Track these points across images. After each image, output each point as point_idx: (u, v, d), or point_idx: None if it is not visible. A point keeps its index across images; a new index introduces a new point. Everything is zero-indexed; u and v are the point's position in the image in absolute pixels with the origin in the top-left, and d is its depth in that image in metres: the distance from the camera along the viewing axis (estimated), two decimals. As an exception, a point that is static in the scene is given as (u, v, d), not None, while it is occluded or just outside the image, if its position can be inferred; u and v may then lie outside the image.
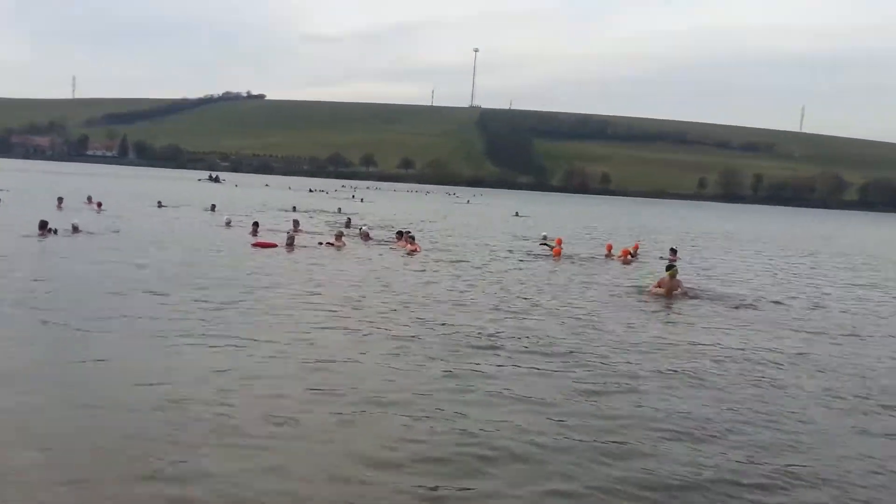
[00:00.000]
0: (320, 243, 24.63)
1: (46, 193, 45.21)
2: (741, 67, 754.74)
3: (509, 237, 35.70)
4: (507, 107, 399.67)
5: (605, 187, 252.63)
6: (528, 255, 26.45)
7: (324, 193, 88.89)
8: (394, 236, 27.74)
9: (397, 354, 10.40)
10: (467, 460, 6.89)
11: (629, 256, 26.44)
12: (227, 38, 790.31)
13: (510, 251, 27.71)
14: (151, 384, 8.41)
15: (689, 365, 10.72)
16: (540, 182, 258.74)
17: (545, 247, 28.40)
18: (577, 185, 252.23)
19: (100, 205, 36.30)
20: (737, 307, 16.76)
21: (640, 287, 18.94)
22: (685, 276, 19.83)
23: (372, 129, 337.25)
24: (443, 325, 12.65)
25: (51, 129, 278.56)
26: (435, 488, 6.29)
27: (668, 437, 7.65)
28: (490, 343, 11.43)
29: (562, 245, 28.00)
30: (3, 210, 32.30)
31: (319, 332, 11.63)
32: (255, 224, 28.74)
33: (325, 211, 49.08)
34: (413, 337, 11.51)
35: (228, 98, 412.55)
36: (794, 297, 19.13)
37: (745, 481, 6.70)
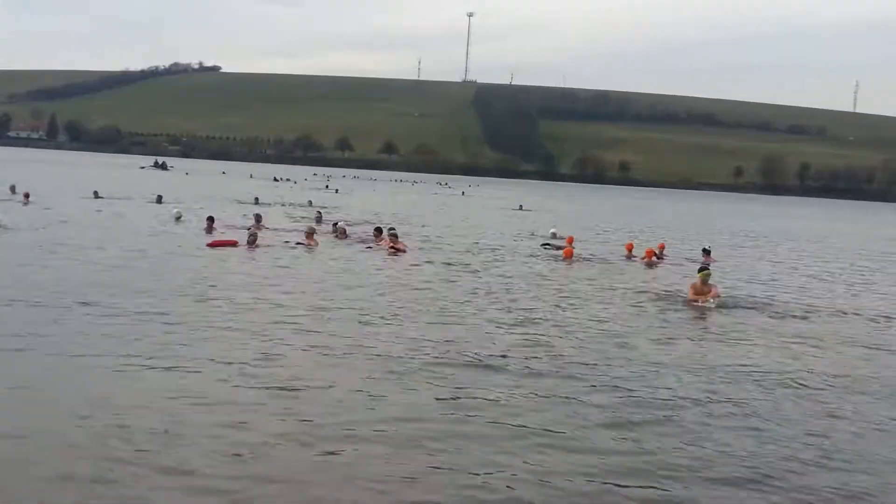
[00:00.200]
0: (299, 243, 24.52)
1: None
2: (784, 38, 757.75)
3: (512, 235, 35.69)
4: (507, 82, 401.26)
5: (624, 176, 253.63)
6: (534, 256, 26.41)
7: (292, 183, 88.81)
8: (372, 234, 27.60)
9: (380, 376, 10.28)
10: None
11: (654, 258, 26.41)
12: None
13: (513, 251, 27.67)
14: (85, 414, 8.27)
15: (728, 389, 10.62)
16: (547, 170, 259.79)
17: (548, 247, 28.38)
18: (591, 173, 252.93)
19: (27, 196, 36.10)
20: (783, 319, 16.72)
21: (668, 294, 18.90)
22: (721, 281, 19.79)
23: (347, 107, 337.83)
24: (434, 340, 12.53)
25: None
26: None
27: (706, 480, 7.53)
28: (491, 362, 11.33)
29: (573, 244, 27.97)
30: None
31: (287, 349, 11.50)
32: (210, 219, 28.59)
33: (293, 204, 48.99)
34: (399, 355, 11.39)
35: (177, 70, 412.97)
36: (852, 308, 19.11)
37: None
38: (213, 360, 10.59)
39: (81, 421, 8.10)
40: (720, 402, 10.03)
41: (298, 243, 24.60)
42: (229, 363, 10.46)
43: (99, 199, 40.03)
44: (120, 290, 15.27)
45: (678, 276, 22.72)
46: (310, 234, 25.23)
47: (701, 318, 16.50)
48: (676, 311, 16.93)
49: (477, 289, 18.46)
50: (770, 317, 16.86)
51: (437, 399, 9.49)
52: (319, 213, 36.60)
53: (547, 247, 28.77)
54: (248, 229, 25.53)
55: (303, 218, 36.47)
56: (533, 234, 35.58)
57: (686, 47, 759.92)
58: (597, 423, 8.92)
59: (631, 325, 14.93)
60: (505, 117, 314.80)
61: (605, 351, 12.55)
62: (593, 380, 10.68)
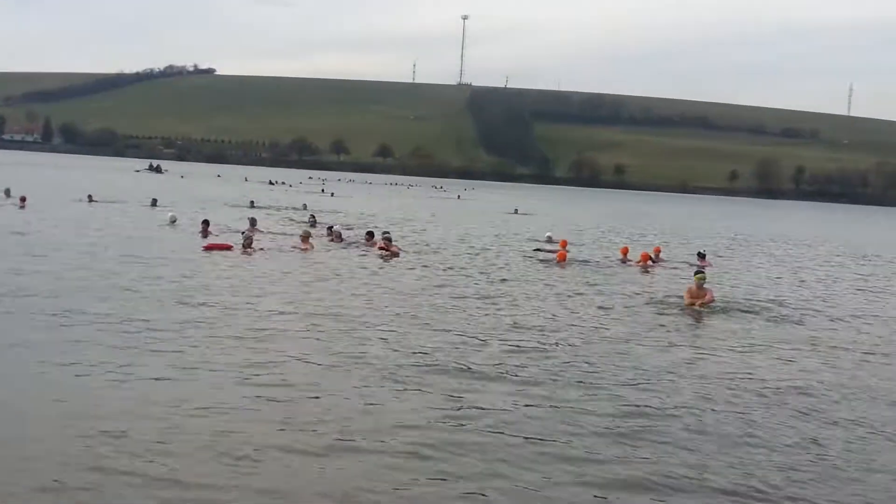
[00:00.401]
0: (294, 247, 24.50)
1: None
2: (778, 41, 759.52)
3: (507, 239, 35.68)
4: (502, 85, 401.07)
5: (619, 180, 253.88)
6: (528, 259, 26.41)
7: (287, 186, 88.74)
8: (364, 237, 27.56)
9: (375, 384, 10.21)
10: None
11: (650, 262, 26.40)
12: (169, 0, 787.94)
13: (508, 255, 27.65)
14: (75, 422, 8.20)
15: (724, 396, 10.57)
16: (542, 174, 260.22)
17: (541, 252, 28.36)
18: (587, 177, 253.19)
19: (23, 199, 35.99)
20: (779, 323, 16.73)
21: (664, 298, 18.90)
22: (717, 285, 19.80)
23: (342, 110, 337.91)
24: (428, 346, 12.49)
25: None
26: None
27: (705, 490, 7.46)
28: (486, 369, 11.26)
29: (567, 248, 27.98)
30: None
31: (282, 355, 11.42)
32: (206, 222, 28.52)
33: (288, 207, 48.92)
34: (394, 362, 11.32)
35: (172, 73, 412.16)
36: (848, 312, 19.12)
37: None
38: (206, 366, 10.53)
39: (71, 429, 8.02)
40: (715, 409, 9.96)
41: (294, 247, 24.59)
42: (223, 369, 10.39)
43: (94, 203, 39.95)
44: (113, 294, 15.21)
45: (674, 281, 22.72)
46: (305, 237, 25.20)
47: (697, 322, 16.48)
48: (672, 315, 16.88)
49: (471, 293, 18.40)
50: (766, 321, 16.85)
51: (433, 407, 9.41)
52: (313, 216, 36.48)
53: (539, 251, 28.75)
54: (244, 233, 25.49)
55: (298, 221, 36.42)
56: (528, 238, 35.53)
57: (680, 50, 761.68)
58: (593, 432, 8.85)
59: (627, 331, 14.88)
60: (500, 120, 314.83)
61: (601, 357, 12.49)
62: (589, 387, 10.62)
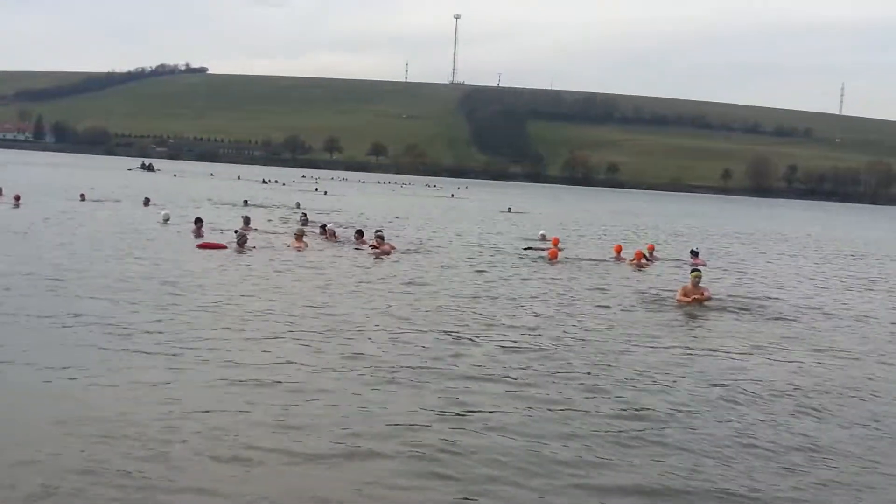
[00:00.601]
0: (289, 245, 24.50)
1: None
2: (771, 40, 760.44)
3: (500, 237, 35.67)
4: (495, 84, 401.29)
5: (612, 178, 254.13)
6: (521, 258, 26.42)
7: (280, 185, 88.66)
8: (354, 235, 27.56)
9: (370, 384, 10.17)
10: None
11: (643, 260, 26.43)
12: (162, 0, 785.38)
13: (501, 254, 27.66)
14: (65, 422, 8.18)
15: (719, 395, 10.58)
16: (535, 172, 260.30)
17: (530, 250, 28.37)
18: (580, 175, 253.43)
19: (17, 198, 35.90)
20: (774, 321, 16.75)
21: (658, 296, 18.93)
22: (711, 283, 19.82)
23: (335, 109, 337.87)
24: (423, 345, 12.48)
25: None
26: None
27: (701, 493, 7.44)
28: (480, 369, 11.23)
29: (559, 245, 28.01)
30: None
31: (276, 354, 11.41)
32: (199, 221, 28.49)
33: (281, 206, 48.87)
34: (388, 362, 11.29)
35: (164, 72, 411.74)
36: (843, 310, 19.19)
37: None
38: (200, 366, 10.49)
39: (63, 431, 7.96)
40: (711, 409, 9.94)
41: (287, 246, 24.58)
42: (217, 370, 10.35)
43: (86, 202, 39.87)
44: (106, 293, 15.14)
45: (667, 278, 22.74)
46: (299, 236, 25.19)
47: (692, 320, 16.49)
48: (667, 313, 16.90)
49: (465, 292, 18.36)
50: (760, 318, 16.87)
51: (428, 408, 9.36)
52: (305, 215, 36.46)
53: (529, 249, 28.73)
54: (237, 232, 25.46)
55: (291, 220, 36.39)
56: (521, 237, 35.53)
57: (673, 50, 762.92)
58: (591, 433, 8.80)
59: (622, 329, 14.87)
60: (493, 119, 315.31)
61: (596, 356, 12.47)
62: (585, 387, 10.57)
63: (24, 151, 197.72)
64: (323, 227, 29.41)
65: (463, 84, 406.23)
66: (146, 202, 40.39)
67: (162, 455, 7.41)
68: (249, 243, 23.78)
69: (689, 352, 13.19)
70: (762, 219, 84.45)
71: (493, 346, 12.70)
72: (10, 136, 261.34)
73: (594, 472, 7.67)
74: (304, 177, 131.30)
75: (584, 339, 13.65)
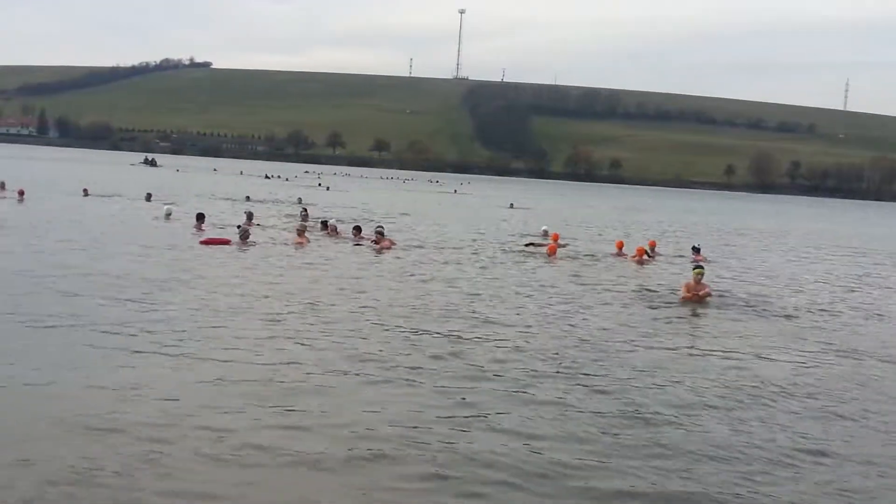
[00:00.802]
0: (293, 241, 24.52)
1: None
2: (775, 36, 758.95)
3: (502, 233, 35.62)
4: (499, 79, 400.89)
5: (615, 174, 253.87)
6: (522, 253, 26.41)
7: (283, 180, 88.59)
8: (352, 231, 27.56)
9: (370, 381, 10.14)
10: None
11: (645, 256, 26.39)
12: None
13: (503, 250, 27.60)
14: (68, 417, 8.16)
15: (722, 392, 10.57)
16: (538, 168, 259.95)
17: (532, 246, 28.31)
18: (583, 171, 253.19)
19: (22, 193, 35.93)
20: (777, 317, 16.70)
21: (660, 292, 18.91)
22: (713, 279, 19.79)
23: (339, 104, 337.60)
24: (425, 343, 12.44)
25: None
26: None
27: (700, 494, 7.44)
28: (484, 366, 11.20)
29: (559, 241, 27.99)
30: None
31: (278, 350, 11.39)
32: (200, 216, 28.49)
33: (284, 201, 48.84)
34: (389, 360, 11.25)
35: (167, 66, 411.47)
36: (846, 307, 19.14)
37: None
38: (201, 363, 10.47)
39: (61, 430, 7.94)
40: (711, 409, 9.90)
41: (289, 241, 24.57)
42: (219, 367, 10.32)
43: (89, 197, 39.90)
44: (108, 291, 15.13)
45: (669, 275, 22.69)
46: (301, 232, 25.19)
47: (694, 317, 16.45)
48: (668, 310, 16.85)
49: (465, 289, 18.31)
50: (762, 316, 16.82)
51: (430, 408, 9.32)
52: (305, 209, 36.52)
53: (531, 245, 28.67)
54: (239, 227, 25.45)
55: (292, 215, 36.36)
56: (523, 234, 35.51)
57: (677, 45, 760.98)
58: (592, 433, 8.77)
59: (623, 326, 14.82)
60: (496, 115, 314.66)
61: (598, 354, 12.43)
62: (586, 386, 10.52)
63: (27, 146, 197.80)
64: (324, 222, 29.39)
65: (467, 79, 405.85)
66: (148, 197, 40.36)
67: (159, 457, 7.36)
68: (252, 239, 23.82)
69: (690, 350, 13.15)
70: (765, 215, 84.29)
71: (495, 344, 12.64)
72: (13, 130, 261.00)
73: (595, 474, 7.61)
74: (306, 172, 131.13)
75: (586, 337, 13.58)
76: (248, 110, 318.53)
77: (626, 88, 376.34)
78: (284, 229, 29.00)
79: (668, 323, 15.51)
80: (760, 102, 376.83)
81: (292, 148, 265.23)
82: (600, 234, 38.96)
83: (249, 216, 29.75)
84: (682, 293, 18.02)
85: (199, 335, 11.98)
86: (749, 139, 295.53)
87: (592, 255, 26.96)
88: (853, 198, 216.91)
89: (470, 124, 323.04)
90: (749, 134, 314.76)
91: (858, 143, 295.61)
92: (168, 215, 30.89)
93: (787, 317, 16.97)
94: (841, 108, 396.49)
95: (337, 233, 27.58)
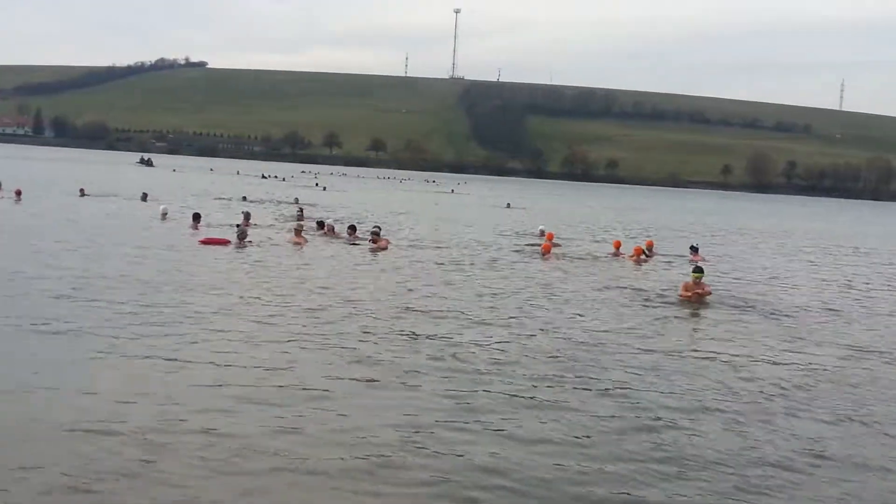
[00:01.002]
0: (291, 241, 24.52)
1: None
2: (771, 36, 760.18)
3: (499, 233, 35.58)
4: (495, 79, 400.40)
5: (611, 173, 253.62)
6: (519, 253, 26.42)
7: (279, 180, 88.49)
8: (347, 231, 27.57)
9: (371, 382, 10.10)
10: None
11: (642, 255, 26.39)
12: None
13: (500, 250, 27.59)
14: (61, 419, 8.12)
15: (724, 396, 10.53)
16: (535, 167, 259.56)
17: (528, 246, 28.30)
18: (579, 171, 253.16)
19: (19, 193, 35.87)
20: (775, 317, 16.69)
21: (658, 292, 18.89)
22: (712, 279, 19.76)
23: (335, 104, 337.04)
24: (425, 344, 12.41)
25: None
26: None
27: (700, 492, 7.42)
28: (483, 367, 11.16)
29: (553, 240, 28.01)
30: None
31: (278, 355, 11.32)
32: (196, 216, 28.46)
33: (280, 201, 48.73)
34: (389, 360, 11.23)
35: (163, 66, 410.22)
36: (844, 306, 19.13)
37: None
38: (200, 364, 10.42)
39: (60, 427, 7.93)
40: (713, 408, 9.89)
41: (287, 241, 24.55)
42: (217, 370, 10.27)
43: (85, 197, 39.84)
44: (106, 291, 15.07)
45: (666, 274, 22.69)
46: (298, 231, 25.21)
47: (693, 317, 16.45)
48: (666, 309, 16.83)
49: (463, 289, 18.30)
50: (761, 315, 16.81)
51: (429, 411, 9.27)
52: (301, 209, 36.66)
53: (530, 245, 28.66)
54: (238, 227, 25.45)
55: (289, 215, 36.31)
56: (520, 232, 35.51)
57: (673, 44, 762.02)
58: (598, 430, 8.77)
59: (623, 326, 14.80)
60: (492, 114, 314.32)
61: (598, 354, 12.40)
62: (586, 385, 10.51)
63: (23, 146, 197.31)
64: (319, 222, 29.35)
65: (462, 79, 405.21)
66: (144, 197, 40.28)
67: (156, 462, 7.30)
68: (249, 239, 23.82)
69: (690, 351, 13.12)
70: (762, 215, 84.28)
71: (493, 345, 12.59)
72: (9, 130, 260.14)
73: (596, 479, 7.56)
74: (303, 172, 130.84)
75: (585, 338, 13.53)
76: (245, 110, 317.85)
77: (623, 88, 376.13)
78: (282, 229, 28.94)
79: (667, 323, 15.48)
80: (757, 102, 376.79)
81: (289, 148, 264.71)
82: (598, 234, 38.91)
83: (247, 216, 29.71)
84: (681, 293, 18.01)
85: (197, 337, 11.91)
86: (745, 139, 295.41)
87: (590, 255, 26.94)
88: (850, 197, 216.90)
89: (466, 124, 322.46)
90: (745, 133, 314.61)
91: (855, 143, 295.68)
92: (164, 215, 30.83)
93: (786, 316, 16.96)
94: (837, 108, 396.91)
95: (334, 233, 27.56)
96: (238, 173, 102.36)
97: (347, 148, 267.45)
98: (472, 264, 22.95)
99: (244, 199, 46.83)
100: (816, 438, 8.94)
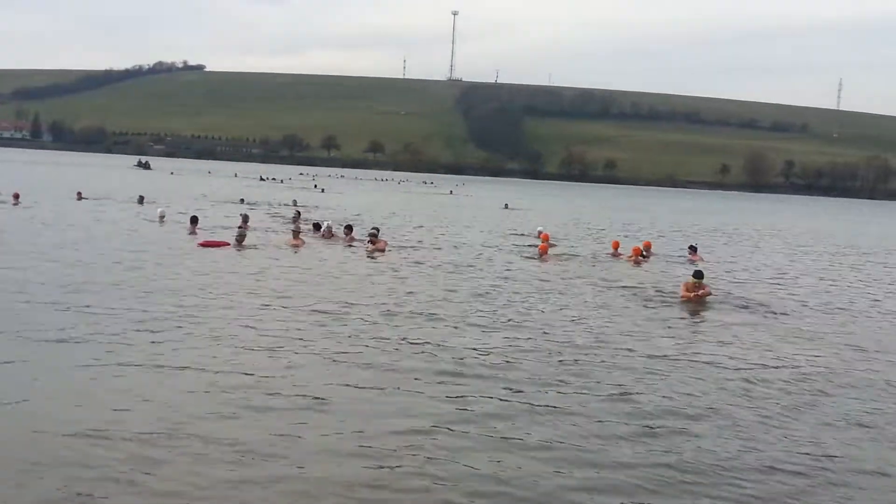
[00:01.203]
0: (289, 243, 24.46)
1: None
2: (768, 36, 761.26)
3: (497, 234, 35.53)
4: (493, 80, 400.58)
5: (609, 174, 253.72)
6: (517, 254, 26.38)
7: (278, 182, 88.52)
8: (343, 231, 27.61)
9: (367, 386, 9.99)
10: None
11: (641, 256, 26.36)
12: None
13: (498, 251, 27.54)
14: (56, 428, 8.03)
15: (724, 398, 10.46)
16: (533, 169, 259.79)
17: (528, 247, 28.27)
18: (577, 172, 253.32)
19: (17, 196, 35.79)
20: (775, 316, 16.67)
21: (657, 292, 18.84)
22: (712, 279, 19.70)
23: (333, 106, 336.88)
24: (422, 345, 12.31)
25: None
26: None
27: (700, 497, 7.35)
28: (484, 369, 11.09)
29: (549, 241, 27.97)
30: None
31: (278, 360, 11.22)
32: (194, 219, 28.41)
33: (279, 203, 48.67)
34: (388, 363, 11.13)
35: (161, 69, 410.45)
36: (843, 305, 19.08)
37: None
38: (199, 368, 10.33)
39: (58, 436, 7.84)
40: (713, 409, 9.83)
41: (285, 243, 24.50)
42: (216, 375, 10.18)
43: (83, 200, 39.79)
44: (104, 293, 14.97)
45: (665, 274, 22.65)
46: (296, 234, 25.17)
47: (693, 317, 16.38)
48: (666, 310, 16.79)
49: (462, 289, 18.24)
50: (763, 315, 16.76)
51: (430, 415, 9.19)
52: (298, 212, 36.73)
53: (530, 247, 28.64)
54: (238, 228, 25.44)
55: (287, 217, 36.27)
56: (518, 233, 35.46)
57: (670, 45, 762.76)
58: (599, 436, 8.68)
59: (624, 328, 14.71)
60: (490, 116, 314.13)
61: (598, 356, 12.31)
62: (588, 388, 10.43)
63: (21, 150, 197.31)
64: (315, 225, 29.25)
65: (460, 81, 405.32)
66: (140, 200, 40.22)
67: (154, 470, 7.22)
68: (248, 241, 23.78)
69: (690, 352, 13.04)
70: (760, 214, 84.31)
71: (492, 347, 12.51)
72: (6, 134, 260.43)
73: (596, 485, 7.48)
74: (301, 174, 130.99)
75: (586, 339, 13.46)
76: (242, 113, 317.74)
77: (620, 89, 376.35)
78: (280, 231, 28.87)
79: (668, 324, 15.42)
80: (753, 102, 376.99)
81: (287, 150, 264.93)
82: (596, 234, 38.88)
83: (245, 219, 29.68)
84: (681, 293, 17.96)
85: (195, 343, 11.82)
86: (743, 139, 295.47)
87: (588, 256, 26.89)
88: (847, 196, 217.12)
89: (464, 126, 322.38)
90: (742, 133, 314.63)
91: (852, 143, 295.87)
92: (162, 218, 30.78)
93: (786, 316, 16.94)
94: (834, 107, 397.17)
95: (332, 235, 27.50)
96: (236, 176, 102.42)
97: (345, 150, 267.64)
98: (470, 266, 22.87)
99: (242, 201, 46.76)
100: (820, 442, 8.86)
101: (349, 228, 27.44)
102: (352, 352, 11.64)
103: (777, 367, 12.12)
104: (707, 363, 12.20)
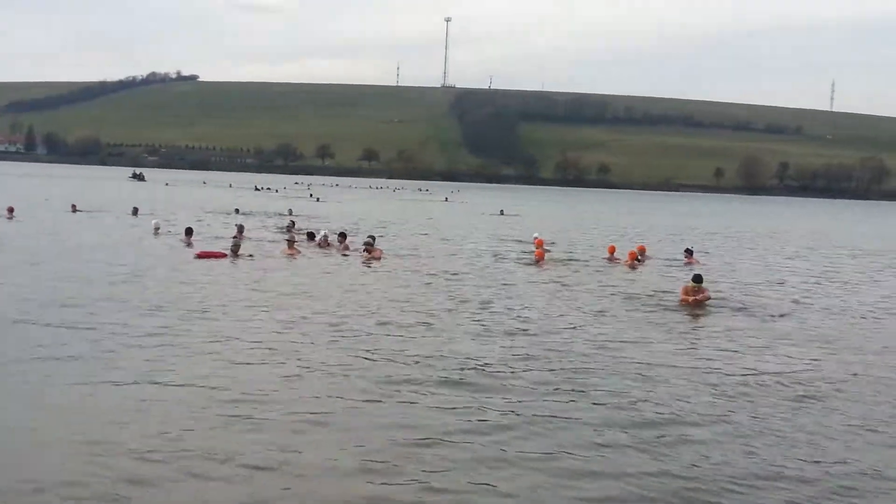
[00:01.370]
0: (285, 252, 24.36)
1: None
2: (761, 38, 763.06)
3: (493, 240, 35.52)
4: (486, 86, 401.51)
5: (603, 179, 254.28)
6: (513, 261, 26.36)
7: (273, 192, 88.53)
8: (337, 238, 27.60)
9: (366, 396, 9.92)
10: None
11: (637, 260, 26.34)
12: (150, 7, 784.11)
13: (494, 257, 27.51)
14: (54, 443, 7.98)
15: (724, 402, 10.40)
16: (528, 174, 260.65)
17: (523, 254, 28.25)
18: (572, 176, 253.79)
19: (11, 210, 35.69)
20: (772, 319, 16.65)
21: (655, 296, 18.81)
22: (709, 282, 19.67)
23: (327, 114, 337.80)
24: (421, 353, 12.25)
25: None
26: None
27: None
28: (481, 377, 11.03)
29: (544, 247, 27.95)
30: None
31: (277, 369, 11.16)
32: (189, 230, 28.35)
33: (274, 213, 48.65)
34: (387, 372, 11.08)
35: (155, 80, 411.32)
36: (839, 307, 19.03)
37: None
38: (195, 382, 10.24)
39: (58, 447, 7.80)
40: (711, 411, 9.80)
41: (281, 253, 24.46)
42: (212, 388, 10.10)
43: (77, 213, 39.72)
44: (99, 307, 14.90)
45: (662, 278, 22.63)
46: (291, 243, 25.11)
47: (692, 321, 16.33)
48: (664, 313, 16.76)
49: (458, 296, 18.20)
50: (762, 318, 16.73)
51: (428, 423, 9.14)
52: (293, 221, 36.80)
53: (526, 253, 28.63)
54: (234, 238, 25.40)
55: (281, 227, 36.24)
56: (514, 239, 35.44)
57: (663, 49, 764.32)
58: (594, 443, 8.63)
59: (622, 332, 14.65)
60: (484, 122, 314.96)
61: (598, 362, 12.24)
62: (588, 397, 10.35)
63: (15, 163, 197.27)
64: (310, 234, 29.11)
65: (454, 87, 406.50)
66: (135, 212, 40.16)
67: (152, 486, 7.16)
68: (243, 251, 23.72)
69: (690, 354, 13.01)
70: (756, 216, 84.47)
71: (489, 353, 12.47)
72: (1, 147, 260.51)
73: (602, 495, 7.42)
74: (296, 183, 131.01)
75: (585, 344, 13.39)
76: (237, 123, 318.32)
77: (614, 93, 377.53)
78: (275, 241, 28.81)
79: (665, 328, 15.35)
80: (747, 105, 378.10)
81: (281, 160, 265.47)
82: (592, 239, 38.84)
83: (240, 229, 29.66)
84: (680, 296, 17.94)
85: (191, 355, 11.74)
86: (737, 141, 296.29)
87: (585, 261, 26.86)
88: (843, 197, 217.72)
89: (458, 132, 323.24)
90: (737, 136, 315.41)
91: (846, 144, 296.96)
92: (156, 230, 30.68)
93: (785, 318, 16.90)
94: (828, 108, 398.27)
95: (328, 244, 27.41)
96: (231, 186, 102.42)
97: (340, 158, 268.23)
98: (467, 273, 22.81)
99: (236, 211, 46.71)
100: (822, 446, 8.81)
101: (343, 236, 27.45)
102: (350, 363, 11.56)
103: (777, 372, 12.05)
104: (707, 368, 12.14)
